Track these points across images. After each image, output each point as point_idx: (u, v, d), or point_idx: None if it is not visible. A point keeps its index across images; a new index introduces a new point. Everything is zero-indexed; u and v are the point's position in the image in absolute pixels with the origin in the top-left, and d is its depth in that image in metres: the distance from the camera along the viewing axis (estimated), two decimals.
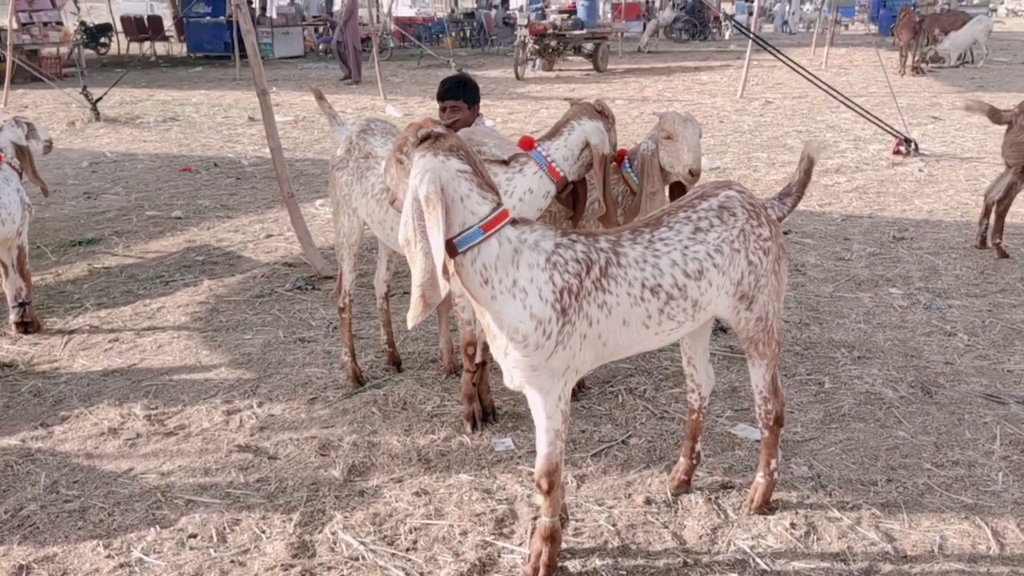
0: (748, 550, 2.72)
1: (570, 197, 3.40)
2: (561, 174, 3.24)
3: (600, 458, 3.29)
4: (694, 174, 3.40)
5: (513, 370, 2.44)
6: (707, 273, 2.53)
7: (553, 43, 19.17)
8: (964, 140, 9.88)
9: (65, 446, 3.45)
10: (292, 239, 6.39)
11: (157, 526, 2.90)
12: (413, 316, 2.30)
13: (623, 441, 3.41)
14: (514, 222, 2.37)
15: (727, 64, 20.66)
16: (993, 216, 5.58)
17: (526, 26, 18.82)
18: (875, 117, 9.17)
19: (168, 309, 4.99)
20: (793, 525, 2.83)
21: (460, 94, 5.13)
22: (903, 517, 2.87)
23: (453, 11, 32.15)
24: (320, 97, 3.89)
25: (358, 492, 3.09)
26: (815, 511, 2.92)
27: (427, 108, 13.60)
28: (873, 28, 30.17)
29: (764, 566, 2.64)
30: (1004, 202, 5.49)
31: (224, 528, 2.89)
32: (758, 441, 3.31)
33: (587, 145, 3.23)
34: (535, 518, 2.79)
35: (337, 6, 16.43)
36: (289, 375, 4.08)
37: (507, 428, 3.53)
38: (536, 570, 2.59)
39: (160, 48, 24.14)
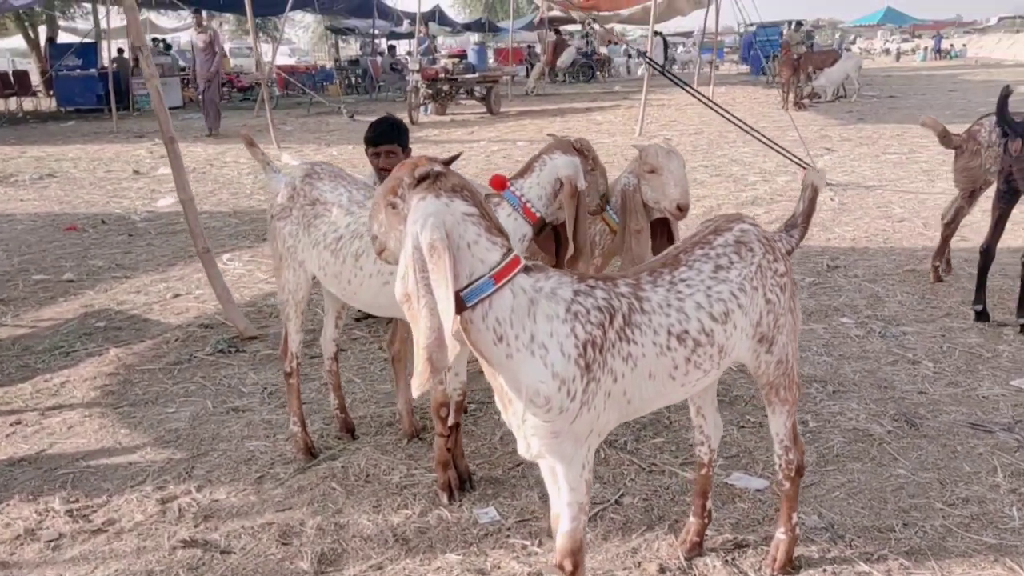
0: None
1: (549, 240, 3.13)
2: (537, 214, 2.99)
3: (596, 523, 3.00)
4: (682, 208, 3.20)
5: (531, 438, 2.14)
6: (732, 315, 2.30)
7: (446, 87, 19.08)
8: (862, 169, 10.17)
9: None
10: (203, 298, 5.92)
11: None
12: (420, 383, 1.97)
13: (616, 501, 3.13)
14: (527, 269, 2.08)
15: (616, 104, 21.04)
16: (940, 238, 5.61)
17: (418, 71, 18.65)
18: (784, 149, 9.30)
19: (73, 383, 4.45)
20: None
21: (395, 137, 4.85)
22: (932, 566, 2.68)
23: (338, 59, 31.84)
24: (251, 144, 3.52)
25: None
26: (841, 566, 2.70)
27: (323, 155, 13.19)
28: (745, 68, 31.49)
29: None
30: (951, 226, 5.53)
31: None
32: (759, 491, 3.12)
33: (561, 182, 2.99)
34: None
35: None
36: (227, 451, 3.64)
37: (487, 496, 3.20)
38: None
39: (28, 104, 22.88)
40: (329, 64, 33.16)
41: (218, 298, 5.18)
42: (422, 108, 19.02)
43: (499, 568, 2.77)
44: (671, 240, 3.51)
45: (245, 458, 3.56)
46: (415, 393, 1.98)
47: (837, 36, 50.45)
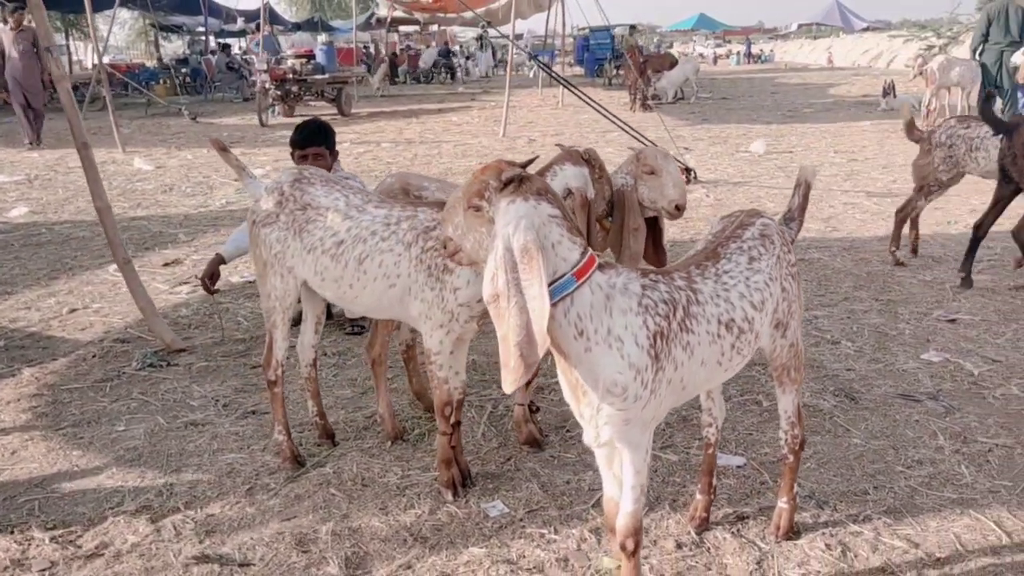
0: None
1: None
2: None
3: (601, 509, 3.13)
4: (680, 208, 3.39)
5: (604, 427, 2.26)
6: (766, 303, 2.51)
7: (295, 88, 18.68)
8: (723, 167, 10.84)
9: None
10: (105, 312, 5.65)
11: None
12: (514, 379, 2.05)
13: None
14: (600, 266, 2.20)
15: (466, 105, 21.29)
16: (894, 224, 6.13)
17: (266, 71, 18.15)
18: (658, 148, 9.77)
19: None
20: (828, 547, 2.87)
21: (322, 140, 4.82)
22: (911, 521, 3.00)
23: (160, 58, 30.43)
24: (223, 149, 3.42)
25: None
26: (834, 528, 2.97)
27: (177, 160, 12.67)
28: (579, 70, 32.48)
29: None
30: (901, 213, 6.09)
31: None
32: (739, 467, 3.36)
33: (569, 192, 3.11)
34: None
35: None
36: (202, 466, 3.53)
37: (488, 490, 3.28)
38: None
39: None
40: (151, 63, 31.65)
41: (141, 311, 4.96)
42: (270, 110, 18.55)
43: (524, 557, 2.86)
44: (658, 237, 3.70)
45: (225, 471, 3.48)
46: (509, 389, 2.06)
47: (655, 40, 52.87)
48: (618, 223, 3.38)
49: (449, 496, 3.20)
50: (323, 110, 20.05)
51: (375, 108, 21.07)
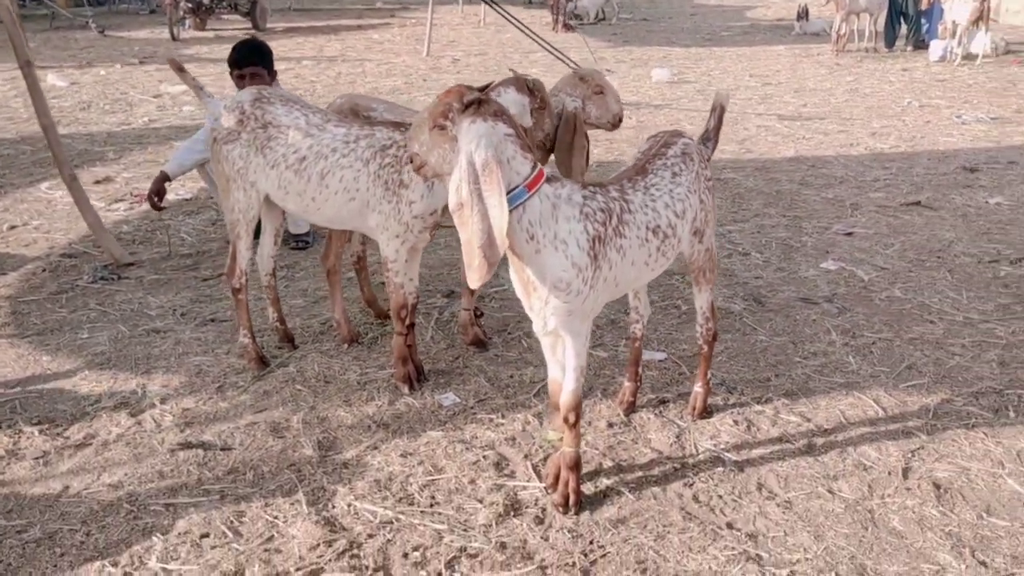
0: (714, 448, 3.18)
1: None
2: None
3: (542, 398, 3.55)
4: (620, 121, 3.74)
5: (550, 317, 2.63)
6: (687, 212, 2.90)
7: (206, 1, 18.16)
8: (645, 90, 11.21)
9: None
10: (45, 228, 5.78)
11: (156, 534, 2.70)
12: (478, 277, 2.40)
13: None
14: (548, 179, 2.55)
15: (385, 22, 21.04)
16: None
17: None
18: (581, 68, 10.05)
19: None
20: (735, 422, 3.34)
21: (259, 60, 4.97)
22: (805, 401, 3.50)
23: None
24: (180, 69, 3.60)
25: (342, 464, 3.08)
26: (741, 408, 3.45)
27: (91, 76, 12.39)
28: None
29: (735, 457, 3.12)
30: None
31: (232, 522, 2.76)
32: (661, 361, 3.81)
33: None
34: (548, 455, 3.03)
35: None
36: (171, 368, 3.81)
37: (440, 384, 3.66)
38: (566, 497, 2.83)
39: None
40: None
41: (90, 227, 5.11)
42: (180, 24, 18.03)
43: (476, 438, 3.26)
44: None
45: (194, 372, 3.76)
46: (474, 286, 2.42)
47: None
48: (567, 142, 3.66)
49: (405, 389, 3.57)
50: (237, 24, 19.60)
51: (290, 23, 20.63)
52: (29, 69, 4.83)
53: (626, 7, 24.70)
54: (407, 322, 3.54)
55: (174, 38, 16.94)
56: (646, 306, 3.38)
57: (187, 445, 3.19)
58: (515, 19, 6.33)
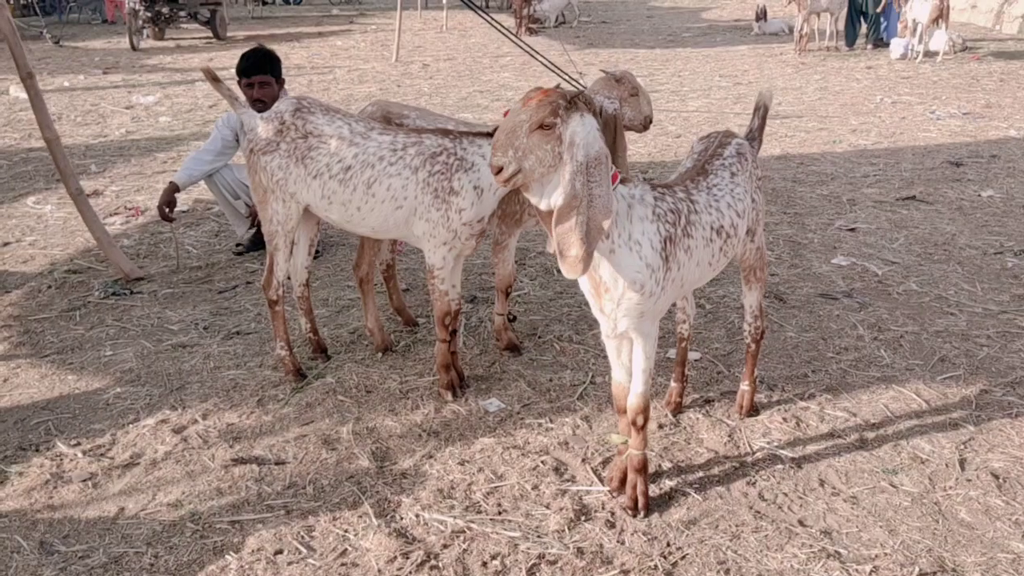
0: (768, 445, 3.21)
1: None
2: None
3: (586, 400, 3.56)
4: (650, 122, 3.76)
5: (622, 319, 2.64)
6: (747, 212, 2.93)
7: (165, 10, 17.86)
8: None
9: (9, 505, 2.91)
10: (41, 244, 5.66)
11: (228, 553, 2.65)
12: (581, 268, 2.37)
13: (591, 382, 3.71)
14: (622, 180, 2.55)
15: (346, 29, 20.86)
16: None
17: None
18: (564, 73, 10.08)
19: None
20: (784, 420, 3.38)
21: (268, 68, 4.91)
22: (847, 396, 3.55)
23: None
24: (214, 79, 3.54)
25: (401, 475, 3.06)
26: (786, 405, 3.49)
27: (55, 88, 12.12)
28: None
29: (791, 454, 3.15)
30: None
31: (303, 537, 2.73)
32: (697, 360, 3.83)
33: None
34: (606, 458, 3.03)
35: None
36: (205, 383, 3.74)
37: (482, 391, 3.64)
38: (635, 500, 2.84)
39: None
40: None
41: (97, 241, 5.00)
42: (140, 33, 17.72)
43: (529, 443, 3.25)
44: None
45: (230, 386, 3.70)
46: (574, 275, 2.39)
47: None
48: (608, 144, 3.66)
49: (449, 396, 3.54)
50: (196, 33, 19.35)
51: (250, 31, 20.38)
52: (32, 81, 4.72)
53: (584, 10, 24.85)
54: (450, 328, 3.52)
55: (134, 48, 16.68)
56: (692, 307, 3.41)
57: (240, 460, 3.14)
58: (499, 24, 6.33)
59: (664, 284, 2.62)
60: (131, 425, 3.40)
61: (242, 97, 3.67)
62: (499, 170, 2.40)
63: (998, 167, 7.13)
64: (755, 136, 3.31)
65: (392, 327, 4.24)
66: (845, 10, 15.20)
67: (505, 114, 3.28)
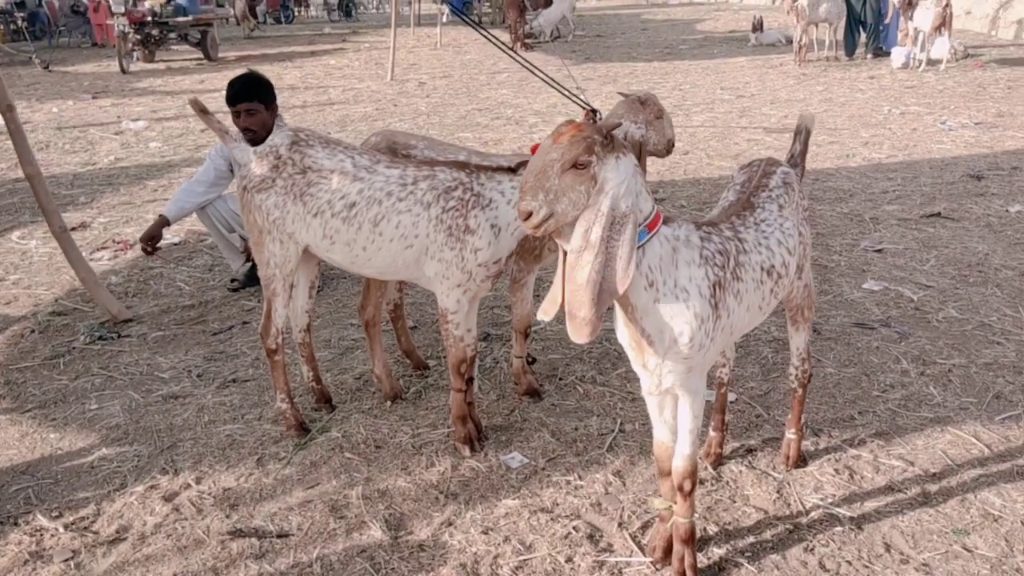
0: (821, 502, 2.90)
1: None
2: None
3: (616, 452, 3.26)
4: (672, 146, 3.49)
5: (667, 375, 2.34)
6: (797, 248, 2.64)
7: (155, 32, 17.66)
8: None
9: None
10: (25, 284, 5.37)
11: None
12: (588, 331, 2.09)
13: (620, 430, 3.41)
14: (664, 219, 2.26)
15: (339, 47, 20.67)
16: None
17: (124, 14, 17.00)
18: (566, 89, 9.83)
19: None
20: (836, 472, 3.08)
21: (256, 95, 4.59)
22: (900, 442, 3.25)
23: None
24: (203, 111, 3.26)
25: (418, 547, 2.75)
26: (836, 454, 3.19)
27: (43, 114, 11.85)
28: (445, 9, 31.95)
29: (848, 513, 2.85)
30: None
31: None
32: (732, 403, 3.53)
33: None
34: (646, 523, 2.73)
35: None
36: (199, 439, 3.44)
37: (502, 443, 3.34)
38: (682, 573, 2.54)
39: None
40: None
41: (83, 281, 4.69)
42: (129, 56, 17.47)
43: (558, 505, 2.95)
44: None
45: (226, 443, 3.39)
46: (580, 340, 2.10)
47: None
48: None
49: (467, 451, 3.24)
50: (187, 55, 19.12)
51: (242, 52, 20.18)
52: (12, 114, 4.42)
53: (578, 24, 24.69)
54: (466, 376, 3.22)
55: (124, 71, 16.46)
56: (732, 349, 3.12)
57: (238, 533, 2.83)
58: (496, 39, 6.07)
59: (714, 334, 2.33)
60: (117, 493, 3.09)
61: (234, 129, 3.37)
62: (528, 215, 2.10)
63: (1022, 180, 6.86)
64: (798, 163, 3.02)
65: (401, 371, 3.94)
66: (844, 20, 14.99)
67: (533, 149, 2.99)
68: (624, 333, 2.37)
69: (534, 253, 3.39)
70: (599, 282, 2.08)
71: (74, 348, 4.34)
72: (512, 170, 2.97)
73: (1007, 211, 6.04)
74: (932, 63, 13.42)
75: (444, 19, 24.37)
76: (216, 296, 4.98)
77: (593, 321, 2.09)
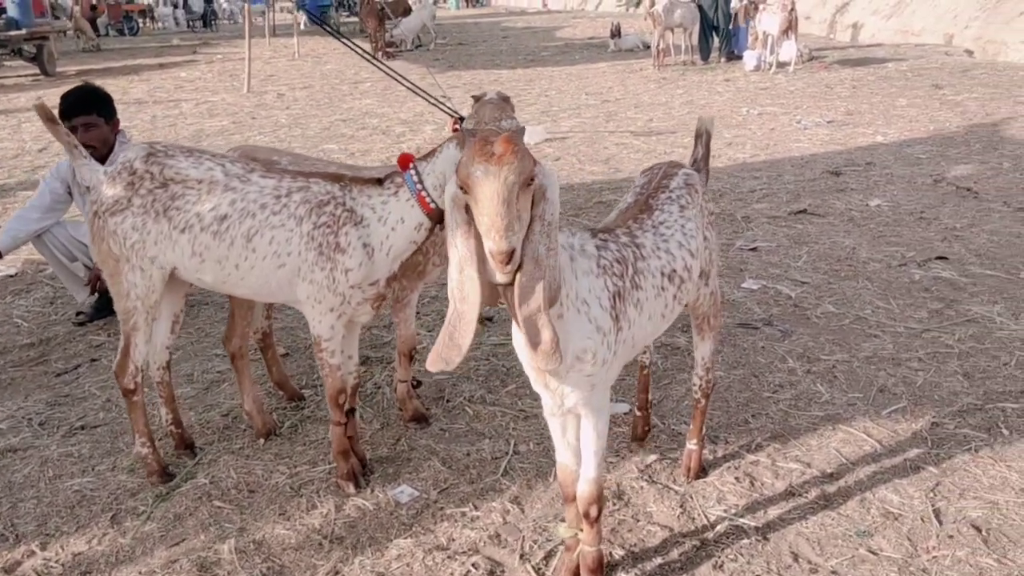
0: (726, 514, 2.80)
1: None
2: (431, 205, 2.65)
3: (512, 476, 3.08)
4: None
5: (570, 394, 2.18)
6: (700, 250, 2.53)
7: None
8: None
9: None
10: None
11: None
12: (559, 354, 1.90)
13: (515, 452, 3.23)
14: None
15: (188, 59, 19.83)
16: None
17: None
18: (432, 96, 9.61)
19: None
20: (736, 480, 2.99)
21: (94, 107, 4.24)
22: (795, 444, 3.20)
23: None
24: (50, 119, 2.84)
25: None
26: (734, 461, 3.11)
27: None
28: (302, 16, 31.28)
29: (753, 523, 2.76)
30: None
31: None
32: (625, 414, 3.42)
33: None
34: (549, 552, 2.55)
35: None
36: (43, 498, 3.05)
37: (388, 476, 3.10)
38: None
39: None
40: None
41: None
42: None
43: (454, 540, 2.74)
44: None
45: (75, 500, 3.02)
46: (557, 365, 1.91)
47: None
48: None
49: (351, 488, 2.99)
50: (22, 71, 17.89)
51: (82, 66, 19.05)
52: None
53: (439, 32, 24.57)
54: (345, 408, 2.96)
55: None
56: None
57: None
58: (359, 47, 5.82)
59: (616, 347, 2.18)
60: None
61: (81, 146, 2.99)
62: (511, 255, 1.79)
63: (876, 174, 7.11)
64: (701, 167, 2.92)
65: (274, 403, 3.63)
66: (698, 25, 15.40)
67: (402, 158, 2.76)
68: (523, 352, 2.18)
69: (417, 270, 3.16)
70: (549, 299, 1.89)
71: None
72: (379, 182, 2.73)
73: (867, 205, 6.22)
74: (781, 65, 13.94)
75: (302, 27, 23.70)
76: (60, 332, 4.51)
77: (556, 340, 1.90)
